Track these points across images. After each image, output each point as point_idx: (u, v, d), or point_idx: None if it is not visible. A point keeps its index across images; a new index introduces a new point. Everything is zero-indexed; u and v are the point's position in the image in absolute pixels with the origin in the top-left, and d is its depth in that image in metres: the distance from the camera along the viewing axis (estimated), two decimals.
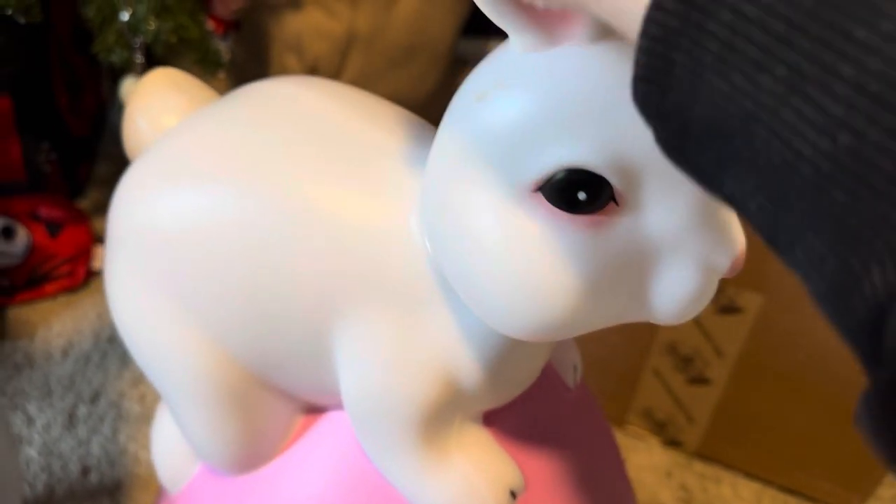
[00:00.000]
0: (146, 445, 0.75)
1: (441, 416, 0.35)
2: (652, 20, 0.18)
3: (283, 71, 1.06)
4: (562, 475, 0.41)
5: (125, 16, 0.72)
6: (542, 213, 0.27)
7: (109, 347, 0.85)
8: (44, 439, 0.76)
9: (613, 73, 0.25)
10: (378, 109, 0.38)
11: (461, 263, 0.30)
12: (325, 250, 0.34)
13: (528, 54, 0.27)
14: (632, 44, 0.20)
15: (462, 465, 0.36)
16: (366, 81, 1.11)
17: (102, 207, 1.03)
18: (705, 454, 0.78)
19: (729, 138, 0.18)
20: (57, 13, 0.94)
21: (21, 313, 0.90)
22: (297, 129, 0.36)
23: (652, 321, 0.31)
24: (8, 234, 0.87)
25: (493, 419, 0.39)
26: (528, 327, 0.29)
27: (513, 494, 0.37)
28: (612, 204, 0.27)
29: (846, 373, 0.66)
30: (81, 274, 0.93)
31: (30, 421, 0.78)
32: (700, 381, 0.73)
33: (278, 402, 0.40)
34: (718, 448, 0.77)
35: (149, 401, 0.80)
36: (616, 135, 0.26)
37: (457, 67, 1.23)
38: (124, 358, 0.84)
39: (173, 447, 0.46)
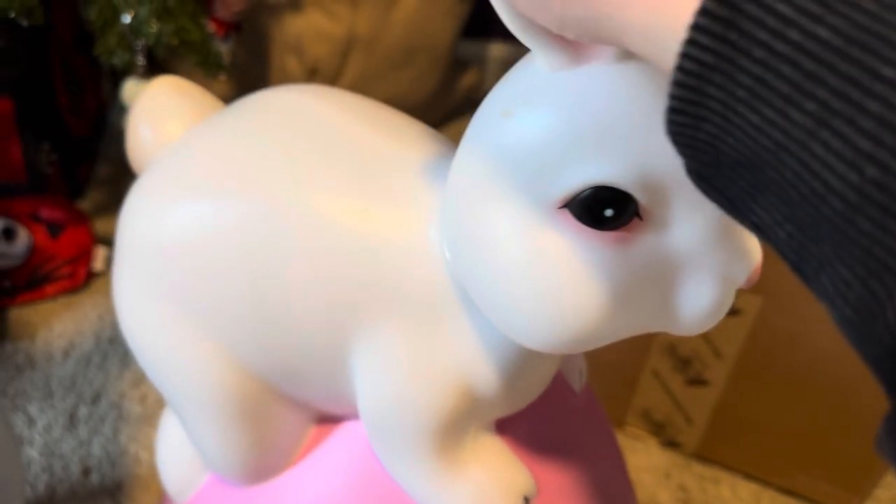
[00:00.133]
0: (147, 446, 0.76)
1: (457, 425, 0.35)
2: (687, 55, 0.19)
3: (284, 73, 1.06)
4: (570, 480, 0.41)
5: (127, 18, 0.73)
6: (569, 229, 0.28)
7: (110, 348, 0.86)
8: (45, 440, 0.76)
9: (640, 92, 0.26)
10: (387, 118, 0.38)
11: (485, 277, 0.30)
12: (344, 263, 0.34)
13: (555, 73, 0.27)
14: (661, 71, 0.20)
15: (477, 473, 0.37)
16: (366, 83, 1.11)
17: (103, 208, 1.03)
18: (704, 455, 0.78)
19: (759, 170, 0.19)
20: (58, 15, 0.95)
21: (22, 314, 0.90)
22: (309, 140, 0.36)
23: (670, 332, 0.31)
24: (9, 235, 0.88)
25: (504, 426, 0.39)
26: (554, 341, 0.29)
27: (526, 500, 0.37)
28: (636, 219, 0.27)
29: (844, 374, 0.66)
30: (82, 275, 0.93)
31: (31, 422, 0.78)
32: (699, 382, 0.73)
33: (291, 412, 0.40)
34: (717, 449, 0.77)
35: (150, 401, 0.80)
36: (643, 152, 0.26)
37: (456, 69, 1.23)
38: (125, 359, 0.84)
39: (180, 456, 0.45)
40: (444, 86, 1.19)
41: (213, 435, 0.39)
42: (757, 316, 0.67)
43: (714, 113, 0.19)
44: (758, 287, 0.65)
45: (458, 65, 1.22)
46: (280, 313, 0.35)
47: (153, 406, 0.79)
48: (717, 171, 0.20)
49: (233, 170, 0.36)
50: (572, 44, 0.26)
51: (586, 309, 0.28)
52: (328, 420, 0.42)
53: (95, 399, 0.80)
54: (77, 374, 0.83)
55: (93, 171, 1.09)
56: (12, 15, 0.70)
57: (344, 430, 0.41)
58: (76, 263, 0.92)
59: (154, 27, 0.73)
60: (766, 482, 0.77)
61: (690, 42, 0.18)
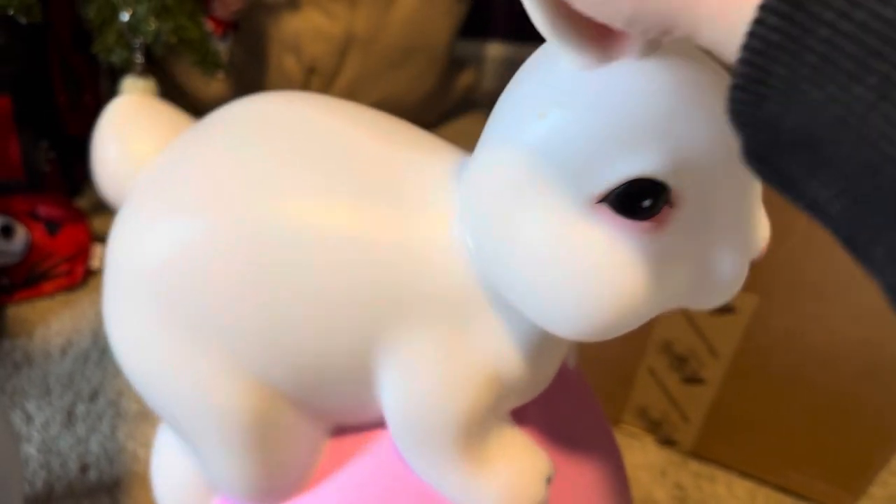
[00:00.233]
0: (144, 443, 0.76)
1: (485, 419, 0.36)
2: (754, 34, 0.20)
3: (282, 71, 1.07)
4: (571, 472, 0.41)
5: (125, 16, 0.73)
6: (607, 222, 0.29)
7: (108, 346, 0.86)
8: (43, 437, 0.76)
9: (667, 84, 0.27)
10: (380, 123, 0.38)
11: (522, 273, 0.31)
12: (364, 272, 0.34)
13: (584, 72, 0.28)
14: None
15: (505, 464, 0.37)
16: (363, 82, 1.11)
17: (101, 206, 1.03)
18: (700, 453, 0.78)
19: (818, 145, 0.20)
20: (57, 13, 0.95)
21: (20, 312, 0.90)
22: (308, 150, 0.35)
23: (692, 308, 0.33)
24: (7, 232, 0.88)
25: (515, 414, 0.40)
26: (593, 327, 0.31)
27: (548, 481, 0.38)
28: (667, 206, 0.29)
29: (839, 373, 0.67)
30: (80, 273, 0.93)
31: (29, 419, 0.78)
32: (695, 380, 0.73)
33: (308, 428, 0.39)
34: (713, 447, 0.77)
35: None
36: (676, 143, 0.27)
37: (453, 68, 1.23)
38: None
39: (181, 480, 0.43)
40: (442, 85, 1.20)
41: (228, 459, 0.38)
42: (753, 315, 0.67)
43: (777, 91, 0.20)
44: (754, 286, 0.66)
45: (455, 64, 1.22)
46: (298, 328, 0.35)
47: None
48: (775, 148, 0.21)
49: (237, 184, 0.35)
50: (601, 42, 0.27)
51: (625, 296, 0.30)
52: (343, 433, 0.41)
53: (93, 396, 0.80)
54: (75, 372, 0.83)
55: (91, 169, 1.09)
56: (11, 12, 0.70)
57: (364, 443, 0.40)
58: (74, 261, 0.92)
59: (152, 25, 0.73)
60: (761, 480, 0.77)
61: (758, 21, 0.19)
